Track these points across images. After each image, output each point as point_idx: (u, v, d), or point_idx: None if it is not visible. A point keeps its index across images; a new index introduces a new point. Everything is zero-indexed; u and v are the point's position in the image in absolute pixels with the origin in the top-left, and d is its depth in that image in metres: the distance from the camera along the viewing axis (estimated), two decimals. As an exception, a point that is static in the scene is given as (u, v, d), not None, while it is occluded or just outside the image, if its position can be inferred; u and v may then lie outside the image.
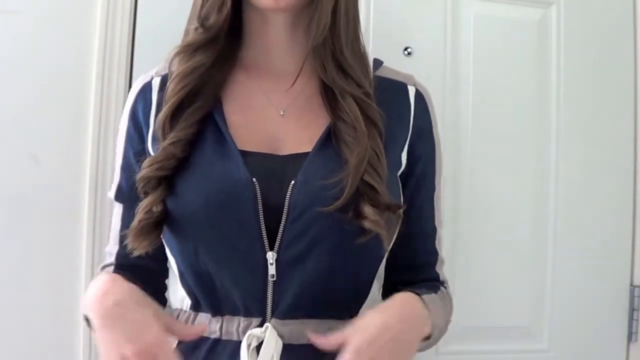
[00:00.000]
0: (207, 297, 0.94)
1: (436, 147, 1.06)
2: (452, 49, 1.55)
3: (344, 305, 0.96)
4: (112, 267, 1.03)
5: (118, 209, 1.04)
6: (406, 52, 1.51)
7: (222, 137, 0.94)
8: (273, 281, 0.91)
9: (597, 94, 1.64)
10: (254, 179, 0.91)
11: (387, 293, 1.04)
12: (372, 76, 1.01)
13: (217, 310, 0.94)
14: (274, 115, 0.99)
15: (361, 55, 1.01)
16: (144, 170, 0.93)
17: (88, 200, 1.34)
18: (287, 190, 0.91)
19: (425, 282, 1.04)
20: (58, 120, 1.36)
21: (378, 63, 1.06)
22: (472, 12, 1.57)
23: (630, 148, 1.66)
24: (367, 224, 0.89)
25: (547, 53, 1.61)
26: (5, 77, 1.34)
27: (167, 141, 0.93)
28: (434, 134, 1.06)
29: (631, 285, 1.64)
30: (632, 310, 1.63)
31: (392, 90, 1.03)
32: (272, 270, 0.91)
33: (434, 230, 1.08)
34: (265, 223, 0.91)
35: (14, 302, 1.33)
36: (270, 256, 0.91)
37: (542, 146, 1.60)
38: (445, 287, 1.07)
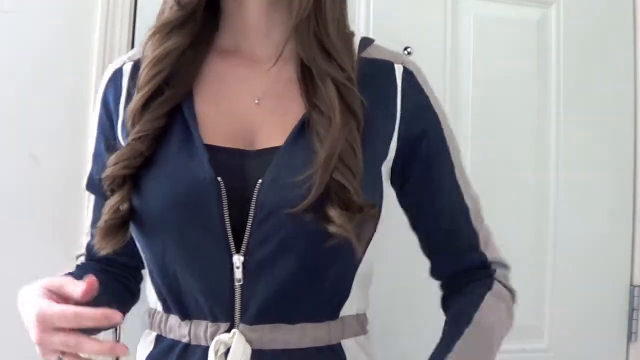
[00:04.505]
0: (175, 300, 0.90)
1: (442, 122, 0.98)
2: (452, 49, 1.56)
3: (319, 309, 0.90)
4: (84, 258, 1.04)
5: (91, 199, 1.03)
6: (406, 52, 1.51)
7: (189, 132, 0.89)
8: (240, 285, 0.86)
9: (597, 94, 1.64)
10: (219, 178, 0.85)
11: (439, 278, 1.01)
12: (356, 58, 0.93)
13: (185, 314, 0.90)
14: (249, 105, 0.92)
15: (346, 36, 0.94)
16: (109, 168, 0.88)
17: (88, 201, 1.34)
18: (255, 190, 0.85)
19: (469, 274, 0.98)
20: (58, 120, 1.36)
21: (367, 42, 0.97)
22: (472, 12, 1.57)
23: (630, 148, 1.66)
24: (332, 229, 0.82)
25: (547, 53, 1.61)
26: (5, 77, 1.33)
27: (133, 136, 0.88)
28: (435, 109, 0.98)
29: (631, 285, 1.65)
30: (632, 310, 1.64)
31: (377, 72, 0.95)
32: (238, 274, 0.86)
33: (465, 209, 0.99)
34: (232, 225, 0.85)
35: (13, 303, 1.33)
36: (237, 260, 0.85)
37: (542, 146, 1.60)
38: (495, 277, 0.98)
